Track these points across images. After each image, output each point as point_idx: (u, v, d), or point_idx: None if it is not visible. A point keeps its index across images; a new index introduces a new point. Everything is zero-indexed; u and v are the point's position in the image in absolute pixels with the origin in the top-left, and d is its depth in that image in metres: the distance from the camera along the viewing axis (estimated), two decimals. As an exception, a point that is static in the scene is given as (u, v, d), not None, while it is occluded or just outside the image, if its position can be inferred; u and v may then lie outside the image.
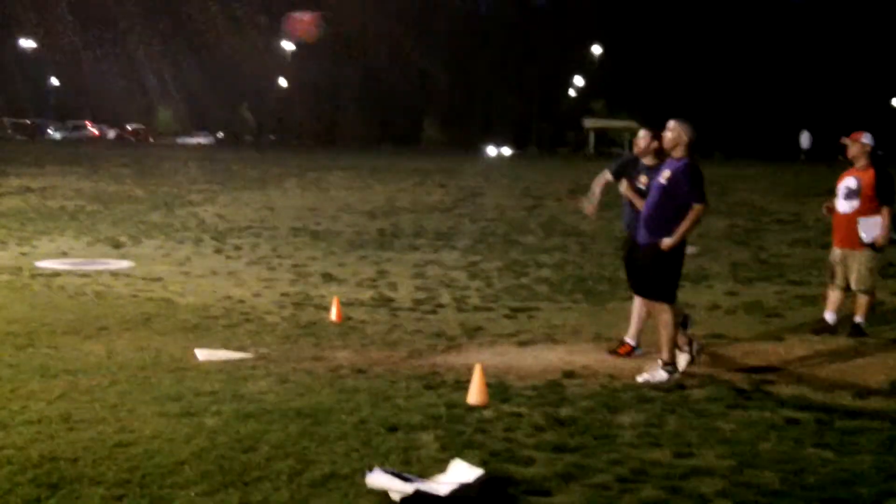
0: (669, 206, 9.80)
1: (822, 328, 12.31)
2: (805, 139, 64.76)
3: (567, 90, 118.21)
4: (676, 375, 9.85)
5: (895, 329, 12.71)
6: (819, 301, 13.10)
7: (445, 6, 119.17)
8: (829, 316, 12.38)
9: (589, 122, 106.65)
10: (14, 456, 6.99)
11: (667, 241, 9.71)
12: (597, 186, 11.17)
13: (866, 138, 12.21)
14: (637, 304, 10.77)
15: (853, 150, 12.28)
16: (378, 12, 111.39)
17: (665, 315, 9.93)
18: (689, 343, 10.21)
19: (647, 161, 10.82)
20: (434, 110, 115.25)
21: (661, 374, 9.82)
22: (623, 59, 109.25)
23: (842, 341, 11.75)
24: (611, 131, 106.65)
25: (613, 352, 10.99)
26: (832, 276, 12.40)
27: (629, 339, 10.77)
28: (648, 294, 10.17)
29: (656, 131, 10.60)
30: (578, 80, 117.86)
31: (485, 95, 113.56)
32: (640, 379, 9.80)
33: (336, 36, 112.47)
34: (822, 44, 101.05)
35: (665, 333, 9.92)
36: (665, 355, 9.92)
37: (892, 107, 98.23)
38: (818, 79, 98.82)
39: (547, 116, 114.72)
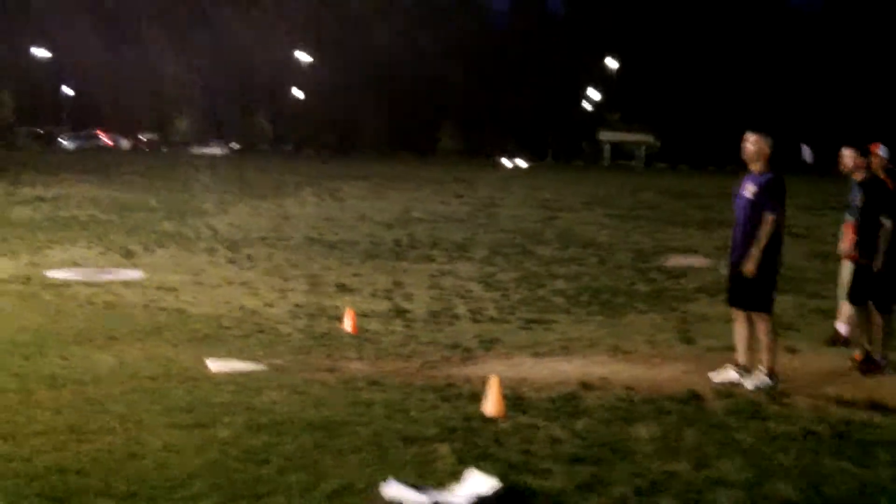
0: (759, 221, 10.04)
1: (836, 340, 12.20)
2: (807, 153, 64.68)
3: (582, 102, 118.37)
4: (778, 384, 10.01)
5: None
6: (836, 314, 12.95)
7: (462, 15, 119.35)
8: (843, 328, 12.26)
9: (604, 135, 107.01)
10: (20, 468, 6.85)
11: (745, 267, 10.02)
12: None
13: (882, 151, 12.02)
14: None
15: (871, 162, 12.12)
16: (395, 21, 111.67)
17: (764, 324, 10.18)
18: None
19: (858, 177, 11.37)
20: (450, 120, 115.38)
21: (767, 381, 9.99)
22: (638, 71, 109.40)
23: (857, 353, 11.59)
24: (626, 144, 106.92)
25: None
26: (843, 287, 12.27)
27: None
28: (748, 306, 10.28)
29: (861, 149, 11.40)
30: (594, 94, 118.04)
31: (501, 105, 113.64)
32: (749, 386, 9.94)
33: (352, 45, 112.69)
34: (828, 55, 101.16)
35: (766, 341, 10.14)
36: (767, 363, 10.09)
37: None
38: (822, 91, 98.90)
39: (563, 128, 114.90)
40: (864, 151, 11.30)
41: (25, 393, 8.93)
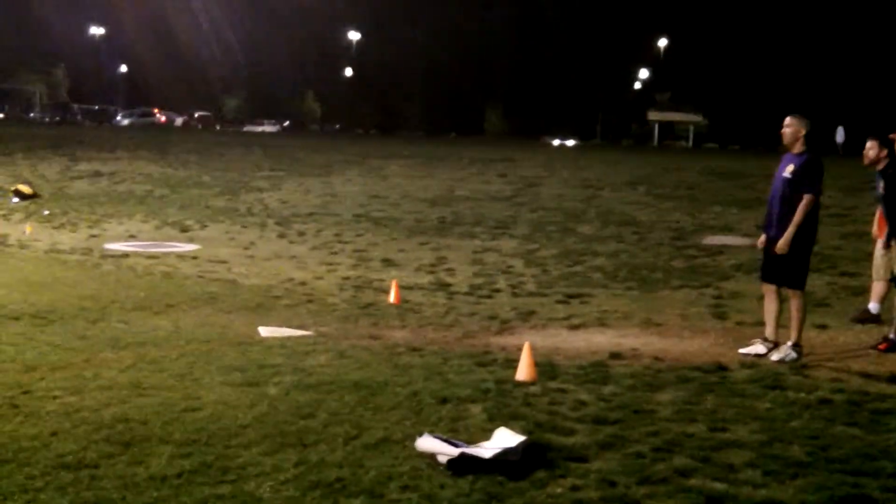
0: (795, 200, 10.50)
1: (865, 318, 12.56)
2: (840, 134, 64.62)
3: (633, 82, 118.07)
4: (803, 357, 10.48)
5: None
6: (868, 292, 13.30)
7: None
8: (873, 306, 12.63)
9: (653, 115, 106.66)
10: (89, 417, 7.53)
11: (780, 245, 10.48)
12: None
13: (908, 138, 12.32)
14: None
15: (900, 147, 12.41)
16: (441, 2, 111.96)
17: (797, 300, 10.65)
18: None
19: (880, 167, 11.59)
20: (498, 100, 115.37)
21: (792, 354, 10.45)
22: (688, 51, 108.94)
23: (885, 331, 11.89)
24: (674, 124, 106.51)
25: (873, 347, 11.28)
26: (876, 268, 12.62)
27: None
28: (784, 282, 10.74)
29: (882, 139, 11.58)
30: (643, 73, 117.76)
31: (549, 85, 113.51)
32: (774, 358, 10.42)
33: (400, 25, 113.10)
34: (876, 37, 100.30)
35: (796, 316, 10.60)
36: (794, 337, 10.57)
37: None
38: (867, 73, 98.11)
39: (612, 108, 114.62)
40: (884, 142, 11.61)
41: (91, 353, 9.68)
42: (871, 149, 11.56)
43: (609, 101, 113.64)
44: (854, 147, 58.83)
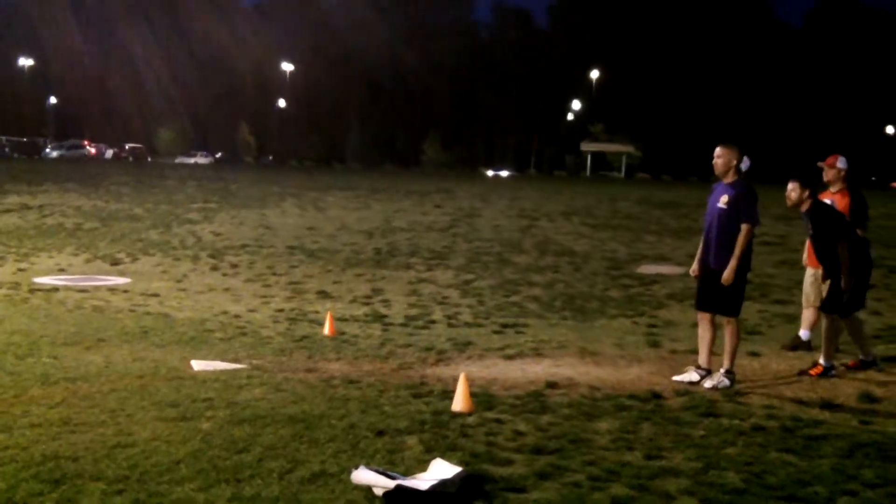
0: (733, 229, 10.62)
1: (797, 345, 12.69)
2: (745, 162, 65.51)
3: (566, 113, 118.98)
4: (736, 384, 10.57)
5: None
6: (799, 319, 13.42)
7: (447, 28, 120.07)
8: (804, 333, 12.76)
9: (586, 146, 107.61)
10: (18, 455, 7.37)
11: (725, 276, 10.56)
12: None
13: (841, 162, 12.46)
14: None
15: (829, 174, 12.52)
16: (380, 34, 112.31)
17: (731, 327, 10.76)
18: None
19: (804, 208, 11.35)
20: (435, 132, 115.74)
21: (725, 381, 10.53)
22: (622, 82, 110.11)
23: (816, 357, 11.95)
24: (607, 155, 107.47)
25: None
26: (806, 295, 12.74)
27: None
28: (720, 310, 10.83)
29: (803, 179, 11.42)
30: (576, 104, 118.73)
31: (485, 118, 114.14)
32: (707, 385, 10.50)
33: (337, 57, 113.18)
34: (807, 68, 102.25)
35: (731, 343, 10.71)
36: (727, 364, 10.68)
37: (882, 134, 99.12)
38: (800, 102, 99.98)
39: (547, 140, 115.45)
40: (806, 182, 11.31)
41: (20, 389, 9.48)
42: (792, 191, 11.31)
43: (544, 132, 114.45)
44: (758, 174, 60.06)
